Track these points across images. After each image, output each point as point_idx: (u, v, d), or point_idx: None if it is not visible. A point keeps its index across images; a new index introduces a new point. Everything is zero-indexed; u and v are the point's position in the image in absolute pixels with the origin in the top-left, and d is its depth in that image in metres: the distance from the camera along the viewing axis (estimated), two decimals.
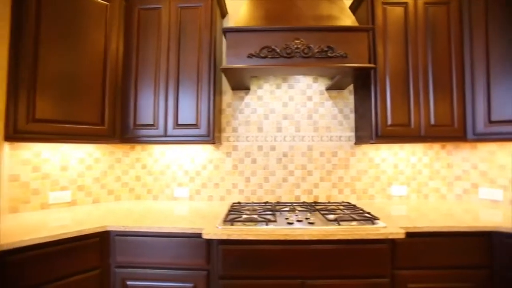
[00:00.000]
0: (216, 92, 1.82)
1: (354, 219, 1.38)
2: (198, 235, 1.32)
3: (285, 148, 1.99)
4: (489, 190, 1.87)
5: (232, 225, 1.35)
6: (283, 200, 1.97)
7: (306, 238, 1.24)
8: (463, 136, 1.72)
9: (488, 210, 1.70)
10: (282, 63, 1.50)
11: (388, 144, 2.00)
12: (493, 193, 1.85)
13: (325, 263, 1.29)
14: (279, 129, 1.99)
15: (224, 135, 2.01)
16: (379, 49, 1.72)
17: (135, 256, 1.39)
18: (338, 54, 1.49)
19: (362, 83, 1.84)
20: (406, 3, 1.75)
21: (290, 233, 1.25)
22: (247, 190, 1.98)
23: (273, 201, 1.97)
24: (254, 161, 1.99)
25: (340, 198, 1.98)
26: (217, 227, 1.32)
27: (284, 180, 1.98)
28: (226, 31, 1.53)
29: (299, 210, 1.64)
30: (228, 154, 2.00)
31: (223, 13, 2.01)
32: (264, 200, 1.97)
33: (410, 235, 1.36)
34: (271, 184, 1.98)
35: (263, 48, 1.50)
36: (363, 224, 1.35)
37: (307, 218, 1.46)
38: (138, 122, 1.75)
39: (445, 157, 2.03)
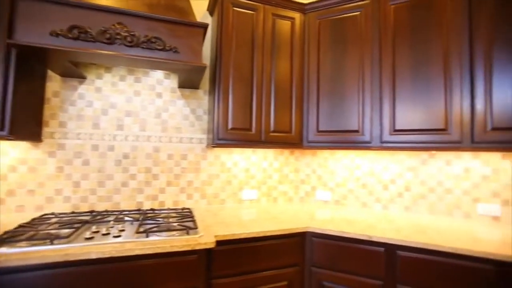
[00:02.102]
0: (32, 75, 1.44)
1: (170, 230, 1.27)
2: None
3: (126, 148, 1.75)
4: (323, 192, 2.10)
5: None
6: (122, 208, 1.73)
7: (93, 256, 1.04)
8: (300, 143, 1.87)
9: (318, 210, 1.88)
10: (99, 49, 1.27)
11: (240, 149, 2.02)
12: (324, 195, 2.09)
13: (128, 282, 1.12)
14: (121, 127, 1.75)
15: (46, 130, 1.63)
16: (225, 51, 1.69)
17: None
18: (168, 48, 1.37)
19: (214, 84, 1.79)
20: (256, 9, 1.79)
21: (74, 252, 1.02)
22: (76, 197, 1.65)
23: (110, 208, 1.70)
24: (86, 162, 1.68)
25: (188, 203, 1.88)
26: None
27: (124, 184, 1.74)
28: None
29: (127, 220, 1.44)
30: (52, 153, 1.63)
31: None
32: (97, 208, 1.68)
33: (228, 242, 1.34)
34: (107, 189, 1.71)
35: (73, 27, 1.23)
36: (181, 235, 1.25)
37: (121, 230, 1.27)
38: None
39: (293, 163, 2.20)
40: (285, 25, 1.87)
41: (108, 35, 1.28)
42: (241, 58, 1.73)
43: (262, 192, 2.08)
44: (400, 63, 1.64)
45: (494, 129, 1.42)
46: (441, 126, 1.53)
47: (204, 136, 1.92)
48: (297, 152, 2.21)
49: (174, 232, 1.26)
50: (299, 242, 1.52)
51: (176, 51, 1.38)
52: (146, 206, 1.78)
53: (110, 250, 1.06)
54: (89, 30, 1.25)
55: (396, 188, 1.91)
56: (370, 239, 1.36)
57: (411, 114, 1.60)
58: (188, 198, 1.88)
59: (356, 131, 1.73)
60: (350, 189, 2.03)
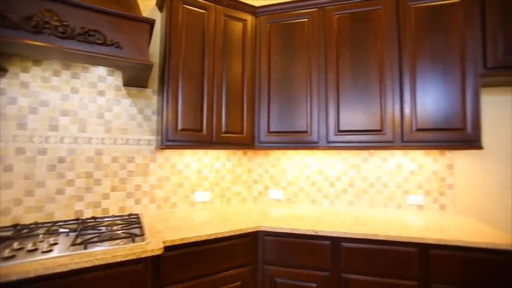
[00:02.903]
0: None
1: (113, 238, 1.17)
2: None
3: (62, 152, 1.57)
4: (275, 191, 2.16)
5: None
6: (56, 218, 1.54)
7: (14, 278, 0.90)
8: (251, 143, 1.89)
9: (271, 209, 1.93)
10: (22, 38, 1.11)
11: (192, 150, 1.97)
12: (277, 194, 2.15)
13: None
14: (55, 128, 1.56)
15: None
16: (174, 49, 1.63)
17: None
18: (109, 43, 1.26)
19: (163, 83, 1.71)
20: (207, 8, 1.76)
21: None
22: None
23: (41, 220, 1.50)
24: (8, 168, 1.45)
25: (136, 209, 1.76)
26: None
27: (59, 192, 1.55)
28: None
29: (61, 232, 1.29)
30: None
31: None
32: (24, 221, 1.47)
33: (178, 247, 1.29)
34: (37, 198, 1.50)
35: None
36: (126, 243, 1.16)
37: (53, 244, 1.13)
38: None
39: (246, 163, 2.22)
40: (237, 26, 1.87)
41: (34, 23, 1.13)
42: (191, 57, 1.68)
43: (215, 194, 2.06)
44: (343, 70, 1.78)
45: (418, 130, 1.63)
46: (378, 127, 1.70)
47: (153, 138, 1.82)
48: (249, 152, 2.24)
49: (118, 241, 1.17)
50: (251, 241, 1.54)
51: (118, 47, 1.28)
52: (87, 214, 1.62)
53: (36, 268, 0.94)
54: (8, 15, 1.09)
55: (342, 184, 2.06)
56: (316, 234, 1.44)
57: (352, 116, 1.75)
58: (136, 203, 1.76)
59: (305, 132, 1.82)
60: (301, 187, 2.13)
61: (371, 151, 2.00)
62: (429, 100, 1.62)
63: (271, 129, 1.87)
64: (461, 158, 1.87)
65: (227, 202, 2.12)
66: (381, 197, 1.98)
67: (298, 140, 1.83)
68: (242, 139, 1.84)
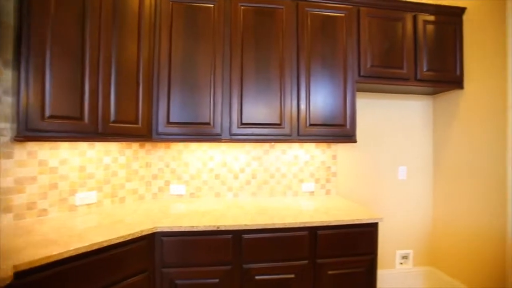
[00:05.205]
0: None
1: None
2: None
3: None
4: (177, 186, 2.02)
5: None
6: None
7: None
8: (148, 135, 1.68)
9: (172, 206, 1.78)
10: None
11: (72, 142, 1.60)
12: (179, 189, 2.02)
13: None
14: None
15: None
16: (38, 8, 1.24)
17: None
18: None
19: (20, 54, 1.28)
20: None
21: None
22: None
23: None
24: None
25: None
26: None
27: None
28: None
29: None
30: None
31: None
32: None
33: (42, 268, 1.01)
34: None
35: None
36: None
37: None
38: None
39: (144, 157, 1.98)
40: None
41: None
42: (65, 25, 1.32)
43: (105, 193, 1.75)
44: (247, 64, 1.78)
45: (311, 125, 1.82)
46: (278, 121, 1.80)
47: (7, 126, 1.36)
48: (148, 145, 2.00)
49: None
50: (147, 245, 1.37)
51: None
52: None
53: None
54: None
55: (245, 176, 2.11)
56: (218, 229, 1.42)
57: (255, 109, 1.78)
58: None
59: (208, 123, 1.74)
60: (204, 181, 2.06)
61: (272, 143, 2.12)
62: (320, 99, 1.82)
63: (172, 120, 1.71)
64: (342, 150, 2.22)
65: (120, 202, 1.84)
66: (280, 187, 2.14)
67: (200, 132, 1.74)
68: (137, 130, 1.61)
